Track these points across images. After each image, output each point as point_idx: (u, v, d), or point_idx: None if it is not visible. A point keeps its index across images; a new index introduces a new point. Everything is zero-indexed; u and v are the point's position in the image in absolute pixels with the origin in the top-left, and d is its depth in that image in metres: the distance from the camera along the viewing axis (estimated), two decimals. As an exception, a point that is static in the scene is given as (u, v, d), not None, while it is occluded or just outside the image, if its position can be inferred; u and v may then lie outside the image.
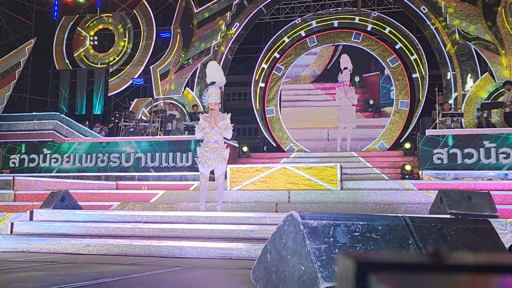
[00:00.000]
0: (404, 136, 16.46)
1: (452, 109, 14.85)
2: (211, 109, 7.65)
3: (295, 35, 18.46)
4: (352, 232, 2.49)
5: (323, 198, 8.90)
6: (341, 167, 9.60)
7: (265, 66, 18.37)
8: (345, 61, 15.42)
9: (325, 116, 17.87)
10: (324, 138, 17.42)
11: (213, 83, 7.62)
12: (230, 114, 7.62)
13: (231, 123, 7.67)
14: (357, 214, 2.69)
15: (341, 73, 15.52)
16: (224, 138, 7.71)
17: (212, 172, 7.74)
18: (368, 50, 17.57)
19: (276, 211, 8.20)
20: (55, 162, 13.48)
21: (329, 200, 8.80)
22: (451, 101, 15.86)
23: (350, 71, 15.31)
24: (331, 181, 9.34)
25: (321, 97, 18.12)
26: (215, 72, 7.79)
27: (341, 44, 17.76)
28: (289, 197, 9.02)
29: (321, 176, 9.45)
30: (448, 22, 16.37)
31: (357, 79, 17.61)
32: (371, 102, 17.84)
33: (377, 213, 7.83)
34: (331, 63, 18.21)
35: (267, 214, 6.69)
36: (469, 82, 16.10)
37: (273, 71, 18.25)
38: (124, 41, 19.49)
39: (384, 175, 12.54)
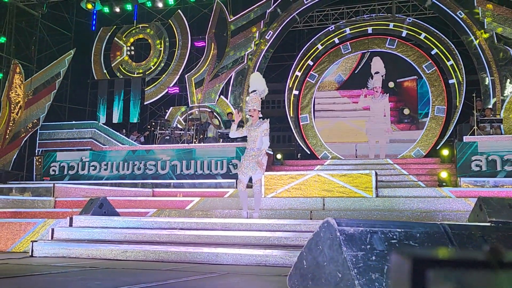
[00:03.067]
0: (441, 143, 16.16)
1: (492, 115, 14.51)
2: (250, 116, 7.69)
3: (328, 42, 18.40)
4: (390, 239, 2.45)
5: (358, 205, 8.81)
6: (376, 174, 9.50)
7: (298, 73, 18.36)
8: (377, 65, 14.98)
9: (352, 128, 17.37)
10: (352, 154, 16.87)
11: (254, 90, 7.69)
12: (268, 119, 7.63)
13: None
14: (394, 221, 2.65)
15: (372, 78, 15.18)
16: (273, 145, 7.81)
17: (250, 180, 7.79)
18: (403, 56, 17.35)
19: (311, 218, 8.16)
20: (93, 170, 13.75)
21: (364, 208, 8.72)
22: (490, 107, 15.49)
23: (382, 76, 14.93)
24: (366, 189, 9.26)
25: (348, 106, 17.73)
26: (257, 81, 7.88)
27: (375, 51, 17.59)
28: (324, 205, 8.96)
29: (356, 183, 9.37)
30: (486, 27, 16.03)
31: (391, 84, 17.16)
32: (407, 111, 17.21)
33: (414, 221, 7.70)
34: (360, 67, 17.95)
35: (302, 221, 6.65)
36: (508, 87, 15.71)
37: (307, 78, 18.22)
38: (160, 50, 19.79)
39: (420, 182, 12.34)
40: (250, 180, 7.78)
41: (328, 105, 17.98)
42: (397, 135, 16.78)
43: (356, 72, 17.94)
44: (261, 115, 7.79)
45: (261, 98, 7.76)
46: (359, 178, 9.41)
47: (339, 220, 2.49)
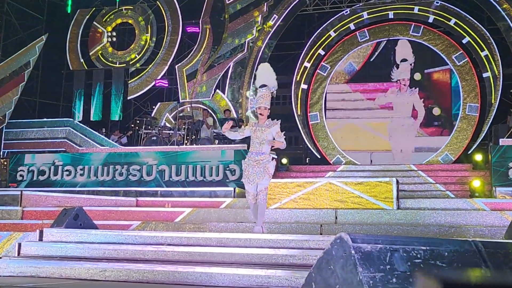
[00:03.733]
0: (474, 147, 16.14)
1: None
2: (259, 114, 7.69)
3: (343, 28, 18.40)
4: (413, 258, 2.44)
5: (377, 219, 8.79)
6: (397, 182, 9.49)
7: (307, 64, 18.36)
8: (404, 50, 14.50)
9: (366, 132, 17.10)
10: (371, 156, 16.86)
11: (264, 85, 7.68)
12: (280, 121, 7.64)
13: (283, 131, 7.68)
14: (419, 237, 2.65)
15: (397, 67, 14.86)
16: (277, 149, 7.77)
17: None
18: (429, 45, 17.35)
19: (321, 234, 8.14)
20: (67, 175, 13.76)
21: (384, 222, 8.70)
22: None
23: (411, 64, 14.52)
24: (386, 199, 9.24)
25: (361, 104, 17.56)
26: (267, 74, 7.87)
27: (397, 39, 17.58)
28: (336, 217, 8.94)
29: (374, 193, 9.36)
30: (526, 11, 16.04)
31: (417, 76, 16.97)
32: (437, 112, 16.86)
33: (441, 237, 7.68)
34: (376, 54, 17.85)
35: (311, 236, 6.65)
36: (553, 82, 15.71)
37: (317, 70, 18.22)
38: (146, 37, 19.82)
39: (449, 192, 12.34)
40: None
41: (334, 102, 17.88)
42: (423, 142, 16.66)
43: (371, 60, 17.90)
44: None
45: (272, 93, 7.76)
46: (377, 186, 9.39)
47: (354, 235, 2.48)
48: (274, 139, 7.53)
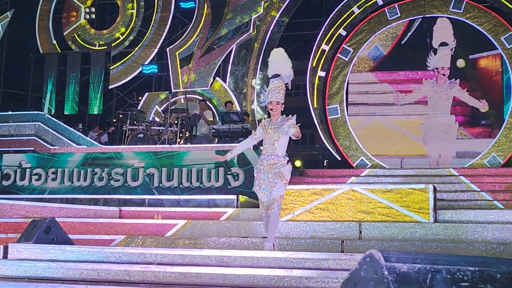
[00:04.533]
0: (527, 147, 16.11)
1: None
2: (271, 110, 7.68)
3: (368, 3, 18.35)
4: (459, 281, 2.41)
5: (409, 233, 8.77)
6: (434, 189, 9.46)
7: (326, 47, 18.33)
8: (444, 32, 14.33)
9: (397, 133, 17.07)
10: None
11: (277, 75, 7.66)
12: (295, 116, 7.60)
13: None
14: (464, 256, 2.63)
15: (434, 53, 14.73)
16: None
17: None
18: (473, 24, 17.27)
19: (342, 251, 8.12)
20: (37, 180, 13.76)
21: (418, 237, 8.68)
22: None
23: (452, 50, 14.37)
24: (421, 210, 9.23)
25: (390, 98, 17.54)
26: (281, 62, 7.83)
27: (434, 16, 17.52)
28: (360, 232, 8.92)
29: (406, 203, 9.34)
30: None
31: (460, 63, 16.81)
32: (485, 107, 16.57)
33: (488, 255, 7.65)
34: (408, 36, 17.74)
35: (330, 254, 6.63)
36: None
37: (338, 54, 18.20)
38: (132, 13, 19.83)
39: (497, 202, 12.27)
40: None
41: (361, 96, 17.88)
42: (466, 145, 16.62)
43: (402, 43, 17.85)
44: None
45: (286, 85, 7.73)
46: (410, 195, 9.37)
47: (387, 253, 2.47)
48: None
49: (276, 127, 7.52)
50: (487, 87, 17.05)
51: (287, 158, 7.70)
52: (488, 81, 17.11)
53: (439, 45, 14.08)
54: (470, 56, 17.11)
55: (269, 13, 18.39)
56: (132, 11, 19.84)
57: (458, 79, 16.37)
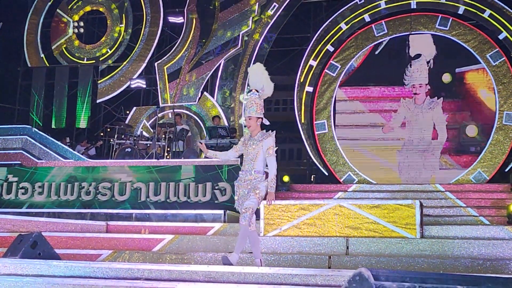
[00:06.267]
0: (512, 163, 16.18)
1: None
2: (246, 126, 7.68)
3: (356, 20, 18.46)
4: (447, 300, 2.40)
5: (396, 249, 8.79)
6: (421, 205, 9.48)
7: (313, 63, 18.39)
8: (419, 42, 13.95)
9: (371, 160, 16.55)
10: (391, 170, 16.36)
11: (256, 91, 7.65)
12: (274, 132, 7.58)
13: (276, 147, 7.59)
14: (453, 274, 2.63)
15: (410, 66, 14.43)
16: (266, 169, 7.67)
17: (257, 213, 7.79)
18: (459, 41, 17.39)
19: (330, 267, 8.12)
20: (23, 194, 13.70)
21: (405, 253, 8.70)
22: None
23: (429, 62, 14.13)
24: (407, 226, 9.24)
25: (361, 119, 17.24)
26: (257, 77, 7.78)
27: (420, 33, 17.64)
28: (348, 247, 8.93)
29: (393, 218, 9.36)
30: None
31: (446, 78, 16.56)
32: (473, 131, 15.83)
33: (474, 272, 7.66)
34: (384, 44, 17.62)
35: (318, 270, 6.61)
36: None
37: (325, 70, 18.25)
38: (120, 27, 19.84)
39: (482, 218, 12.34)
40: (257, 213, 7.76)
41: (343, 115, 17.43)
42: (450, 175, 16.19)
43: (377, 53, 17.85)
44: (267, 122, 7.74)
45: (262, 100, 7.69)
46: (397, 210, 9.39)
47: (376, 271, 2.46)
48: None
49: (256, 143, 7.49)
50: (475, 105, 16.91)
51: (265, 174, 7.64)
52: (477, 97, 16.98)
53: (413, 58, 13.72)
54: (457, 70, 17.10)
55: (258, 29, 18.45)
56: (120, 26, 19.84)
57: (441, 98, 16.22)
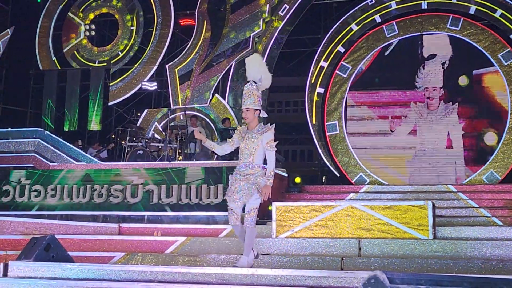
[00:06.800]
0: (525, 163, 16.07)
1: None
2: (243, 118, 7.54)
3: (367, 21, 18.41)
4: (461, 302, 2.39)
5: (409, 250, 8.76)
6: (433, 206, 9.46)
7: (324, 64, 18.36)
8: (435, 42, 13.29)
9: (382, 169, 16.07)
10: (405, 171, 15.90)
11: (254, 82, 7.47)
12: (274, 125, 7.46)
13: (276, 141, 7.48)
14: (467, 276, 2.62)
15: (424, 67, 14.12)
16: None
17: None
18: (470, 41, 17.32)
19: (342, 269, 8.09)
20: (36, 197, 13.75)
21: (417, 254, 8.68)
22: None
23: (445, 64, 13.74)
24: (420, 227, 9.23)
25: (370, 125, 16.86)
26: (254, 67, 7.60)
27: (431, 33, 17.57)
28: (360, 249, 8.91)
29: (406, 219, 9.34)
30: None
31: (463, 81, 15.89)
32: (492, 139, 14.88)
33: (488, 273, 7.63)
34: (394, 45, 17.42)
35: (330, 272, 6.60)
36: None
37: (336, 71, 18.22)
38: (132, 30, 19.89)
39: (495, 218, 12.26)
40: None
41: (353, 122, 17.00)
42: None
43: (387, 54, 17.70)
44: (265, 115, 7.68)
45: (260, 92, 7.52)
46: (409, 211, 9.38)
47: (391, 274, 2.46)
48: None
49: (254, 136, 7.34)
50: (494, 110, 16.35)
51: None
52: (495, 102, 16.35)
53: (427, 58, 13.22)
54: (474, 72, 16.77)
55: (268, 31, 18.45)
56: (131, 28, 19.89)
57: (457, 104, 15.83)
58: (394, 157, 16.18)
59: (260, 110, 7.48)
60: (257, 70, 7.60)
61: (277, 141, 7.44)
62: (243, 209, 7.49)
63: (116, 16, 20.27)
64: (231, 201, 7.35)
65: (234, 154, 14.51)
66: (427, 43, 16.10)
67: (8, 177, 14.06)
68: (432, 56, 12.91)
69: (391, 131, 16.14)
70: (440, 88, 14.21)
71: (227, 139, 7.81)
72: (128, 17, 20.01)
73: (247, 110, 7.38)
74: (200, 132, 7.60)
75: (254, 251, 7.50)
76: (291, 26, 18.72)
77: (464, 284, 2.42)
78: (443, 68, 14.78)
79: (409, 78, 16.33)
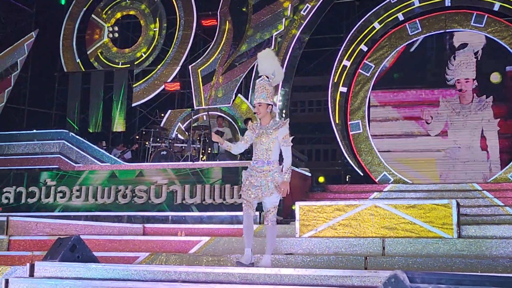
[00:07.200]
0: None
1: None
2: (255, 113, 7.50)
3: (389, 19, 18.33)
4: (483, 302, 2.38)
5: (433, 249, 8.71)
6: (458, 205, 9.40)
7: (347, 63, 18.32)
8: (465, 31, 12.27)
9: (409, 171, 15.70)
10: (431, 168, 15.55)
11: (266, 77, 7.40)
12: (288, 120, 7.41)
13: (291, 136, 7.39)
14: (490, 275, 2.61)
15: (454, 58, 13.55)
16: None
17: (260, 207, 7.63)
18: (495, 39, 17.16)
19: (366, 268, 8.07)
20: (61, 198, 13.85)
21: (442, 253, 8.62)
22: None
23: (477, 54, 13.17)
24: (444, 226, 9.17)
25: (394, 127, 16.56)
26: (266, 62, 7.56)
27: (455, 31, 17.44)
28: (384, 248, 8.87)
29: (430, 218, 9.29)
30: None
31: (495, 78, 15.07)
32: None
33: (513, 272, 7.57)
34: (420, 40, 17.25)
35: (353, 272, 6.59)
36: None
37: (359, 70, 18.17)
38: (154, 31, 19.99)
39: (522, 217, 12.17)
40: (260, 207, 7.60)
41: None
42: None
43: (412, 50, 17.57)
44: (277, 110, 7.65)
45: (272, 87, 7.39)
46: (433, 210, 9.32)
47: (412, 274, 2.46)
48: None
49: (269, 132, 7.27)
50: None
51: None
52: None
53: (457, 48, 12.56)
54: (507, 68, 16.46)
55: (291, 30, 18.44)
56: (154, 29, 19.99)
57: (492, 97, 15.36)
58: (421, 161, 15.85)
59: (272, 105, 7.41)
60: (270, 64, 7.54)
61: (293, 136, 7.40)
62: (261, 207, 7.52)
63: (139, 18, 20.37)
64: (247, 196, 7.34)
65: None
66: (458, 33, 15.72)
67: (34, 179, 14.19)
68: (464, 45, 12.29)
69: (419, 132, 15.75)
70: (473, 79, 13.71)
71: (240, 136, 7.79)
72: (151, 19, 20.10)
73: (259, 105, 7.30)
74: (224, 133, 7.61)
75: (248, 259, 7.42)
76: (313, 26, 18.69)
77: (486, 283, 2.41)
78: (475, 58, 14.19)
79: (437, 75, 16.07)
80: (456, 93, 13.70)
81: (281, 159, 7.35)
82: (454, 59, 14.22)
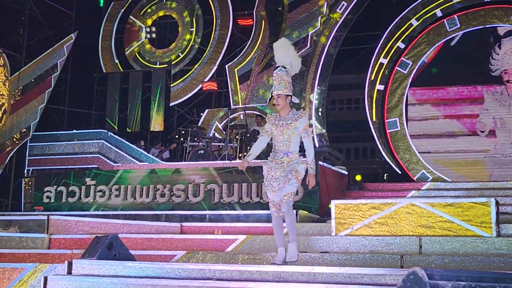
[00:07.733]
0: None
1: None
2: (274, 105, 7.44)
3: (427, 15, 18.18)
4: (508, 300, 2.37)
5: (471, 248, 8.63)
6: (497, 203, 9.30)
7: (384, 61, 18.22)
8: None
9: (456, 169, 15.39)
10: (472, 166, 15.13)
11: (278, 67, 7.37)
12: (308, 111, 7.40)
13: (311, 127, 7.31)
14: (511, 273, 2.60)
15: (500, 47, 12.54)
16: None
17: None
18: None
19: (402, 267, 8.03)
20: (100, 197, 14.04)
21: (480, 252, 8.54)
22: None
23: None
24: (483, 224, 9.08)
25: (434, 126, 16.34)
26: (282, 52, 7.50)
27: (494, 26, 17.21)
28: (421, 247, 8.82)
29: (468, 217, 9.21)
30: None
31: None
32: None
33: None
34: (461, 33, 16.97)
35: (389, 270, 6.57)
36: None
37: (396, 67, 18.06)
38: (191, 32, 20.12)
39: None
40: None
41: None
42: None
43: (453, 44, 17.34)
44: (296, 100, 7.60)
45: (290, 77, 7.35)
46: (472, 208, 9.23)
47: (431, 271, 2.47)
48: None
49: (288, 123, 7.22)
50: None
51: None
52: None
53: (503, 35, 11.87)
54: None
55: (326, 28, 18.40)
56: (191, 29, 20.13)
57: None
58: (466, 163, 15.48)
59: (291, 96, 7.38)
60: (286, 54, 7.49)
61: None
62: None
63: (176, 19, 20.52)
64: (271, 191, 7.31)
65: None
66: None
67: (74, 178, 14.39)
68: (510, 32, 11.60)
69: (462, 132, 15.30)
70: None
71: (260, 132, 7.73)
72: (188, 19, 20.24)
73: (278, 97, 7.27)
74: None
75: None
76: (349, 24, 18.63)
77: (508, 280, 2.41)
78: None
79: (479, 70, 15.73)
80: (501, 86, 13.04)
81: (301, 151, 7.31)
82: (500, 48, 13.72)
